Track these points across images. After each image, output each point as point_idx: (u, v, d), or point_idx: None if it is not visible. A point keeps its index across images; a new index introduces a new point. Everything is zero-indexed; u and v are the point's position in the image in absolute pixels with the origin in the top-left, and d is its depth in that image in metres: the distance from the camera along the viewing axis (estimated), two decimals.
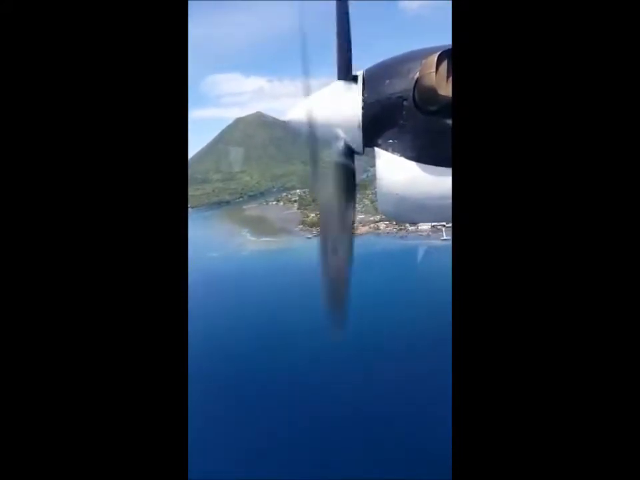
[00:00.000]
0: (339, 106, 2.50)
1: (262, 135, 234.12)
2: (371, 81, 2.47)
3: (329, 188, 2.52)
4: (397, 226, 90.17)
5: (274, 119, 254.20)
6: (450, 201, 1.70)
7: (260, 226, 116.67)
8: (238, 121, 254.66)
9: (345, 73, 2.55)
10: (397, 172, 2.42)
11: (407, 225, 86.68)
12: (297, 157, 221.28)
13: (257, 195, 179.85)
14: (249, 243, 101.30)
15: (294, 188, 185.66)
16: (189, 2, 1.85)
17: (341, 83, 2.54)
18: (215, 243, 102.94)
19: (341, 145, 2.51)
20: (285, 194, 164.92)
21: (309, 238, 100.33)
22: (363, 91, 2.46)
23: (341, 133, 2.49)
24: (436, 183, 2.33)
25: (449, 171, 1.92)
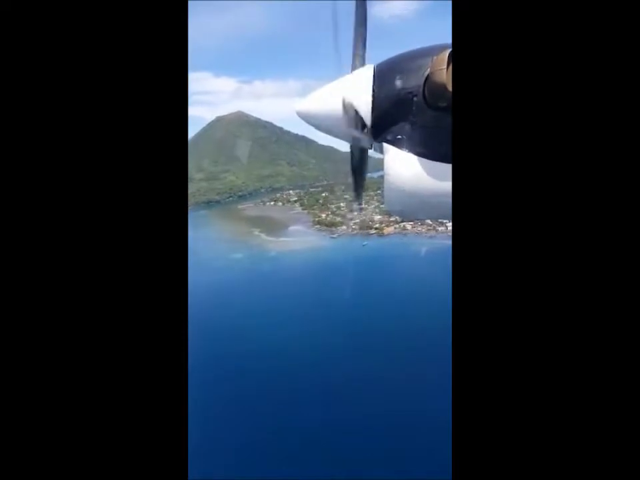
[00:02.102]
0: (349, 99, 2.47)
1: (244, 134, 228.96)
2: (382, 76, 2.44)
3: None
4: (424, 226, 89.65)
5: (256, 118, 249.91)
6: None
7: (270, 226, 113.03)
8: (219, 120, 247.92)
9: (357, 67, 2.53)
10: (404, 168, 2.39)
11: (436, 225, 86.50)
12: (283, 158, 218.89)
13: (247, 195, 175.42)
14: (268, 243, 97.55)
15: (282, 189, 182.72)
16: (189, 2, 1.87)
17: (351, 77, 2.53)
18: (231, 244, 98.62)
19: (348, 136, 2.52)
20: (279, 194, 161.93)
21: (334, 237, 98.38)
22: (373, 85, 2.43)
23: (349, 126, 2.47)
24: (443, 179, 2.29)
25: None
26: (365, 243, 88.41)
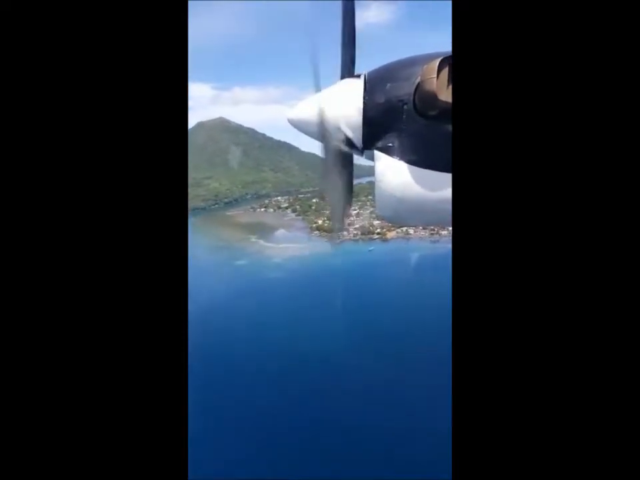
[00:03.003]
0: (340, 106, 2.49)
1: (226, 140, 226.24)
2: (373, 83, 2.46)
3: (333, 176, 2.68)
4: (427, 230, 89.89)
5: (238, 124, 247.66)
6: (448, 205, 1.77)
7: (267, 233, 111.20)
8: (199, 126, 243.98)
9: (349, 73, 2.56)
10: (395, 175, 2.42)
11: (439, 229, 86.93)
12: (266, 164, 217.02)
13: (233, 202, 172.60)
14: (269, 250, 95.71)
15: (268, 195, 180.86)
16: (189, 2, 1.87)
17: (343, 83, 2.53)
18: (231, 251, 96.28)
19: (342, 142, 2.53)
20: (267, 200, 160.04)
21: (338, 243, 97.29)
22: (364, 93, 2.45)
23: (342, 131, 2.49)
24: (434, 187, 2.35)
25: (448, 175, 2.00)
26: (371, 248, 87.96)
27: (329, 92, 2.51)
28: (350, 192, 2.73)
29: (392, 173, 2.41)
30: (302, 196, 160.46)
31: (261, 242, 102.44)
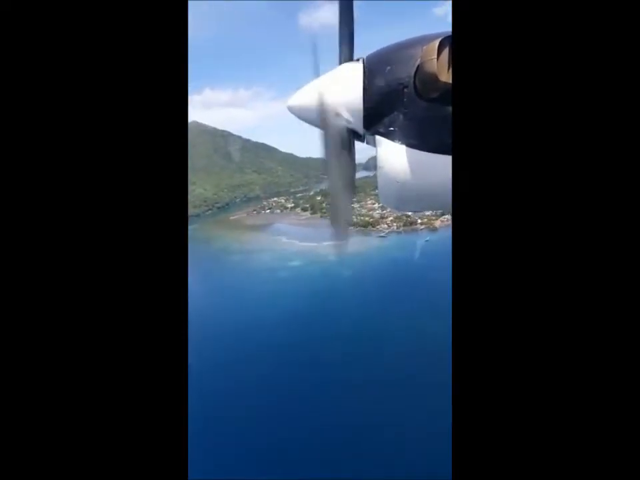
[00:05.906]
0: (340, 92, 2.45)
1: (203, 144, 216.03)
2: (372, 67, 2.41)
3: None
4: None
5: (213, 127, 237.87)
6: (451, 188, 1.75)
7: (292, 233, 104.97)
8: None
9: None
10: (397, 160, 2.38)
11: None
12: (249, 167, 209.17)
13: (225, 207, 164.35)
14: (312, 249, 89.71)
15: (258, 197, 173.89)
16: (189, 2, 1.87)
17: (342, 68, 2.49)
18: (267, 253, 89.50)
19: (342, 128, 2.49)
20: (265, 202, 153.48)
21: (383, 236, 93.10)
22: (363, 77, 2.41)
23: (342, 117, 2.46)
24: (437, 171, 2.28)
25: (450, 158, 2.00)
26: (427, 238, 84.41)
27: (328, 77, 2.40)
28: (353, 181, 2.59)
29: (394, 157, 2.33)
30: (300, 195, 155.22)
31: (297, 242, 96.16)
